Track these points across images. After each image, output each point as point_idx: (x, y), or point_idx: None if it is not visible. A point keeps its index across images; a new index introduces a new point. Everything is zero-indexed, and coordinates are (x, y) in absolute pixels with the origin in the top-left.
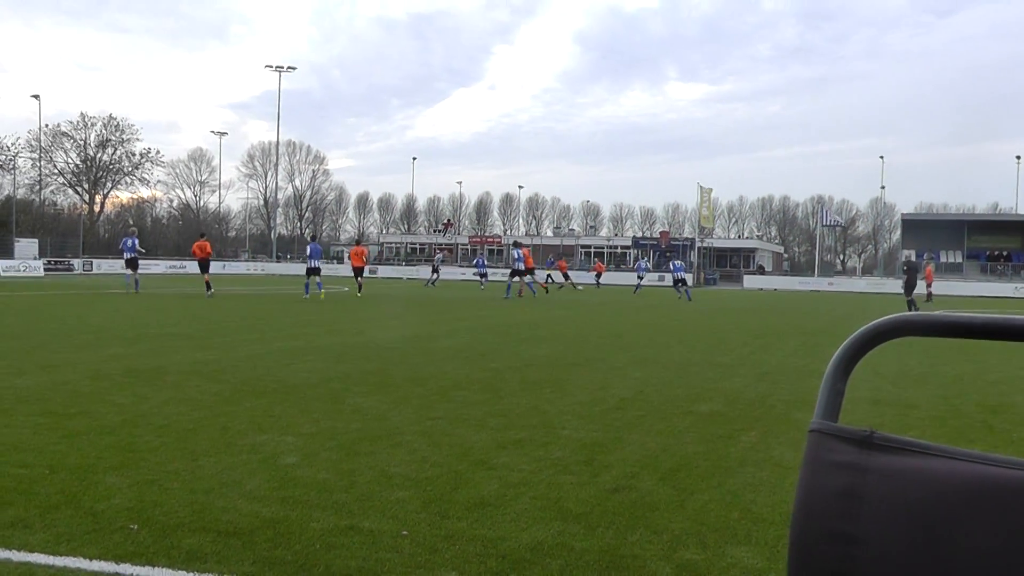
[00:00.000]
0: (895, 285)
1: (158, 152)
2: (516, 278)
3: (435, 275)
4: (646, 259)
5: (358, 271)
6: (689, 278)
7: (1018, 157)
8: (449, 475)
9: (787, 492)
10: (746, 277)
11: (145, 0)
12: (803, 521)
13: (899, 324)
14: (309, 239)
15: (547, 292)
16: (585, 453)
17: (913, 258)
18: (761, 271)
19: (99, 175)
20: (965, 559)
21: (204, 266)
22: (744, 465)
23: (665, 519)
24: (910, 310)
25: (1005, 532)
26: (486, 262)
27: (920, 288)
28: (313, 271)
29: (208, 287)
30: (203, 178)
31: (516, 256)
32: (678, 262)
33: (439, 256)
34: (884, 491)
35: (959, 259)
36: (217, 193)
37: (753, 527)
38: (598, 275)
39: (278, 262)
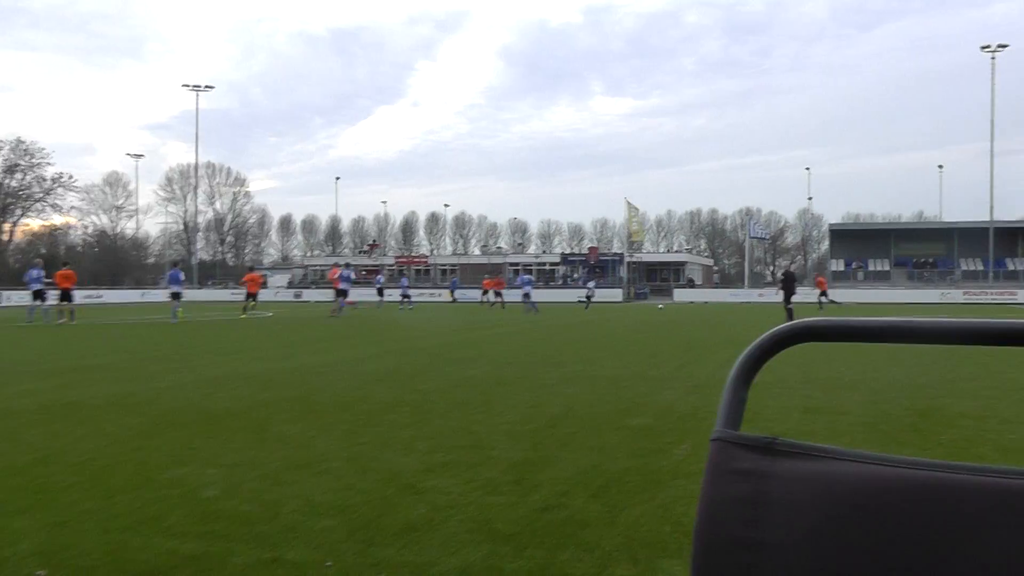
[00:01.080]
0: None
1: (71, 177)
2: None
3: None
4: (594, 278)
5: (252, 296)
6: (617, 293)
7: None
8: (376, 501)
9: None
10: (676, 291)
11: (54, 17)
12: (706, 530)
13: (799, 330)
14: (170, 266)
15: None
16: (515, 473)
17: (792, 268)
18: (691, 284)
19: (7, 202)
20: (865, 560)
21: (67, 296)
22: (675, 478)
23: (596, 536)
24: (789, 319)
25: (904, 532)
26: (407, 283)
27: (806, 297)
28: (176, 296)
29: (71, 316)
30: (120, 203)
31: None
32: (526, 275)
33: (403, 280)
34: (786, 496)
35: (887, 267)
36: (135, 218)
37: (685, 540)
38: (485, 292)
39: (200, 288)
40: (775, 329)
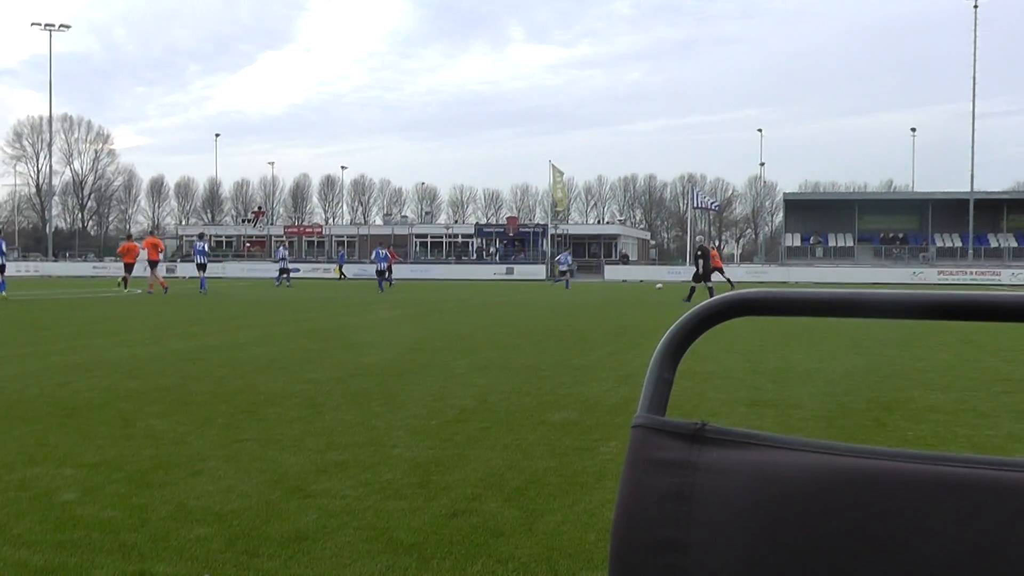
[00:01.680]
0: (777, 273)
1: None
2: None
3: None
4: (568, 250)
5: (153, 264)
6: (538, 270)
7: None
8: (259, 506)
9: None
10: (607, 267)
11: None
12: (625, 529)
13: (733, 303)
14: None
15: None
16: (419, 474)
17: (706, 243)
18: (625, 260)
19: None
20: (801, 561)
21: None
22: (602, 479)
23: (511, 545)
24: (711, 295)
25: (843, 527)
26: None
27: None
28: None
29: None
30: None
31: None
32: (382, 250)
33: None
34: (715, 491)
35: (850, 242)
36: None
37: None
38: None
39: (56, 260)
40: (706, 302)
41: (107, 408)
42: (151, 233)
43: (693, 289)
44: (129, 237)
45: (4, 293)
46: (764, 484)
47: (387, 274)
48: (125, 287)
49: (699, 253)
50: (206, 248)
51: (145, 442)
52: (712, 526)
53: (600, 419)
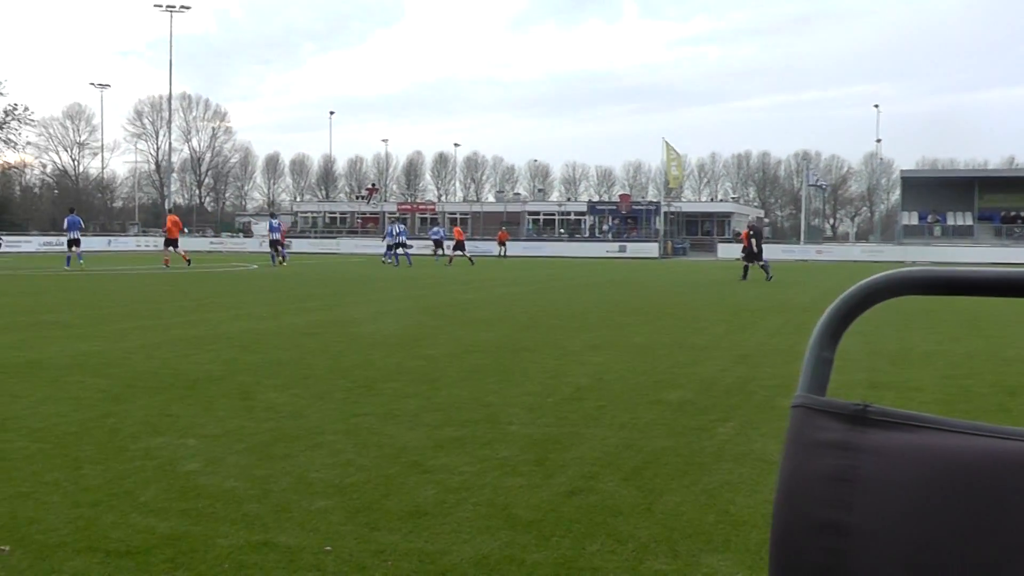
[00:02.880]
0: (894, 252)
1: (27, 109)
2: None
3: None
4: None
5: (172, 242)
6: (651, 248)
7: None
8: (378, 480)
9: (770, 490)
10: (720, 245)
11: None
12: (786, 510)
13: (895, 282)
14: (68, 211)
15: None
16: (536, 451)
17: (754, 221)
18: (738, 238)
19: None
20: (970, 547)
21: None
22: (720, 460)
23: (630, 525)
24: (766, 274)
25: (1017, 514)
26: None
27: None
28: (73, 242)
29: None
30: (82, 139)
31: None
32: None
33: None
34: (879, 474)
35: (969, 221)
36: (100, 156)
37: (732, 531)
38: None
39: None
40: (868, 280)
41: (227, 380)
42: (169, 211)
43: (747, 268)
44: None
45: (82, 263)
46: (930, 467)
47: (439, 249)
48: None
49: (751, 233)
50: (280, 226)
51: (265, 415)
52: (875, 509)
53: (717, 399)
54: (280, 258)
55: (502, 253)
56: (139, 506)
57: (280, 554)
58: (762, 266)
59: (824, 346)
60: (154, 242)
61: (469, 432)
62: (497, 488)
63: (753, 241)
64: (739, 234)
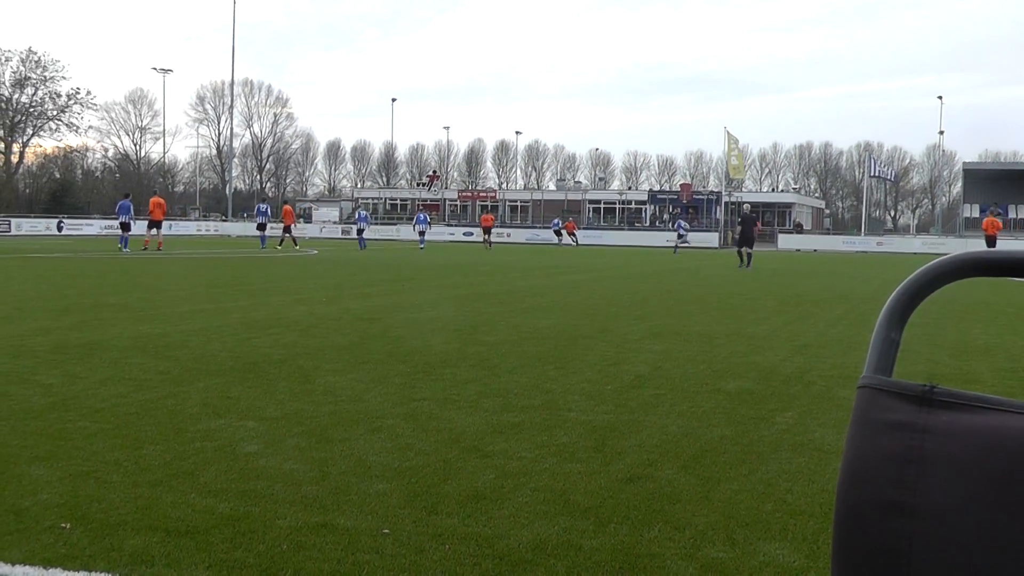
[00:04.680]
0: (955, 244)
1: (89, 93)
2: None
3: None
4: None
5: (156, 224)
6: (711, 237)
7: None
8: (437, 464)
9: (828, 480)
10: (781, 236)
11: None
12: (851, 490)
13: (963, 263)
14: (123, 196)
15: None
16: (595, 438)
17: (748, 210)
18: (799, 229)
19: (17, 120)
20: None
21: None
22: (779, 450)
23: (688, 512)
24: (743, 262)
25: None
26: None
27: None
28: (124, 226)
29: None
30: (144, 123)
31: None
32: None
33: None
34: (946, 455)
35: None
36: (161, 141)
37: (789, 520)
38: (571, 233)
39: (235, 221)
40: (936, 261)
41: (286, 364)
42: (155, 193)
43: (750, 255)
44: (286, 202)
45: (127, 250)
46: (999, 450)
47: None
48: (280, 245)
49: (739, 221)
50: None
51: (324, 398)
52: (942, 491)
53: (776, 389)
54: (279, 241)
55: (575, 242)
56: (199, 486)
57: (338, 536)
58: (748, 253)
59: (891, 327)
60: (215, 226)
61: (528, 418)
62: (555, 474)
63: (743, 227)
64: (800, 225)
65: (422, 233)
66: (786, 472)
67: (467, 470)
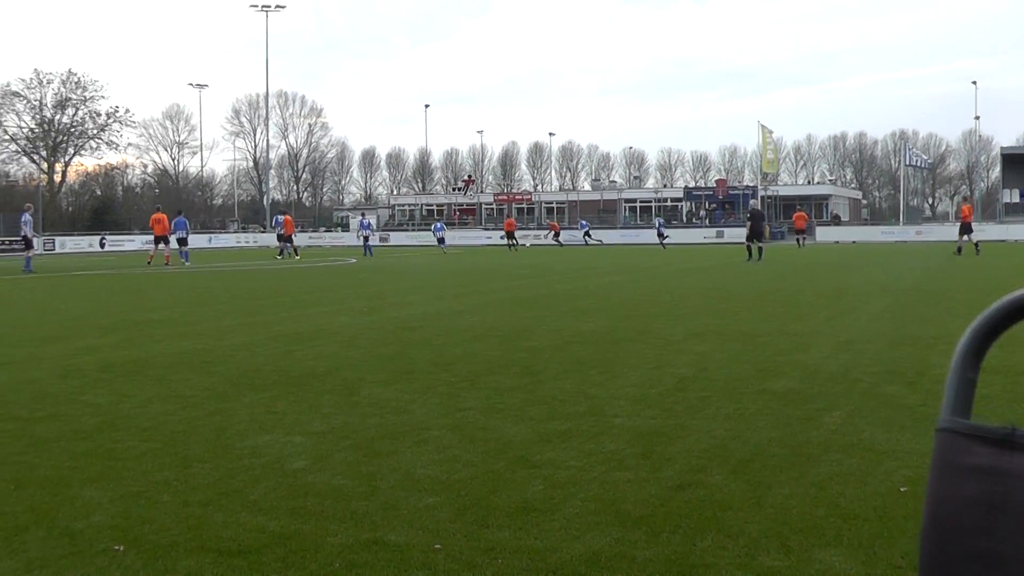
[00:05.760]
0: (995, 231)
1: (127, 111)
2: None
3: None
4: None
5: (161, 239)
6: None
7: None
8: (485, 476)
9: (880, 481)
10: (819, 228)
11: None
12: (936, 538)
13: None
14: (177, 213)
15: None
16: (642, 444)
17: (758, 206)
18: (837, 221)
19: (58, 140)
20: None
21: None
22: (828, 451)
23: (740, 519)
24: (751, 256)
25: None
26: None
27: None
28: (181, 241)
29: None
30: (182, 138)
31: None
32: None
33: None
34: None
35: None
36: (199, 155)
37: (843, 525)
38: (555, 235)
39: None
40: (1012, 295)
41: (331, 377)
42: (157, 209)
43: (760, 249)
44: (285, 212)
45: (187, 263)
46: None
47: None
48: (296, 254)
49: (749, 216)
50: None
51: (370, 411)
52: None
53: (821, 387)
54: (291, 251)
55: (559, 243)
56: (248, 505)
57: (390, 552)
58: (759, 247)
59: (968, 366)
60: (254, 238)
61: (574, 425)
62: (605, 483)
63: (753, 223)
64: (838, 216)
65: (441, 240)
66: (837, 475)
67: (516, 481)
